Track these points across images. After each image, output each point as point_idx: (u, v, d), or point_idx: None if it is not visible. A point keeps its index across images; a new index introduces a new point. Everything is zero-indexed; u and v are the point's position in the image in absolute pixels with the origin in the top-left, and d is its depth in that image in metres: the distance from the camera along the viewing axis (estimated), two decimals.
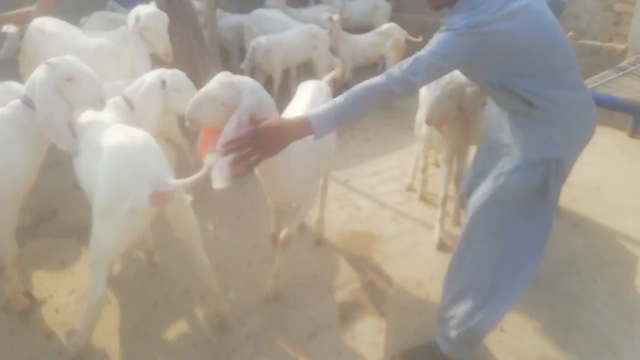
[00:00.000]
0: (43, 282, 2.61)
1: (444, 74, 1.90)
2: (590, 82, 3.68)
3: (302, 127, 1.75)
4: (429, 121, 2.69)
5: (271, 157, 1.82)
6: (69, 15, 3.77)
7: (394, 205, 3.67)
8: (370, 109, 1.81)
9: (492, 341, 2.40)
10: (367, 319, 2.51)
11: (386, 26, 5.71)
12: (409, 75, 1.72)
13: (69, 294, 2.55)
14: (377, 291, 2.72)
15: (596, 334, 2.50)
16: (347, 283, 2.77)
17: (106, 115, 2.25)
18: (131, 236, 2.00)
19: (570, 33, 5.87)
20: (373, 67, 6.28)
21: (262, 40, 4.89)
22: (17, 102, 2.16)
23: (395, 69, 1.75)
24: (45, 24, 3.37)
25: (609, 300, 2.75)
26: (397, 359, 2.25)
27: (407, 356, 2.25)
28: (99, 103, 2.15)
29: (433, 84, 2.62)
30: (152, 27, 3.04)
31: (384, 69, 5.96)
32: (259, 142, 1.75)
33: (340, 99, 1.77)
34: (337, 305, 2.58)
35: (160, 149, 2.06)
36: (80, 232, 3.02)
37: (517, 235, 1.99)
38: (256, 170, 2.22)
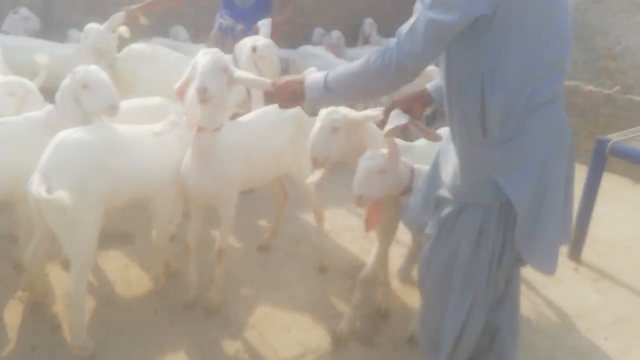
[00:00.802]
0: (58, 278, 2.79)
1: (447, 38, 1.54)
2: (620, 135, 3.63)
3: (298, 86, 1.81)
4: (357, 201, 2.11)
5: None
6: None
7: (409, 241, 3.68)
8: (363, 90, 1.74)
9: None
10: (357, 349, 2.53)
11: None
12: (405, 43, 1.53)
13: None
14: (372, 323, 2.73)
15: None
16: (344, 312, 2.80)
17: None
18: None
19: (617, 88, 5.78)
20: None
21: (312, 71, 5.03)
22: (50, 107, 2.42)
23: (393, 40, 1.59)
24: (145, 49, 3.66)
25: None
26: None
27: None
28: (111, 109, 2.35)
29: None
30: (267, 57, 3.16)
31: None
32: (274, 100, 1.94)
33: (340, 69, 1.75)
34: (330, 332, 2.61)
35: None
36: (103, 237, 3.21)
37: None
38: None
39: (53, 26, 5.15)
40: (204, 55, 2.19)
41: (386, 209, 2.30)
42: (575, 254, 3.67)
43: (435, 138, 1.92)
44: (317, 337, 2.57)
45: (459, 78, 1.62)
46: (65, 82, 2.38)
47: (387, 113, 1.94)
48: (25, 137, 2.32)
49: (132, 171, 2.29)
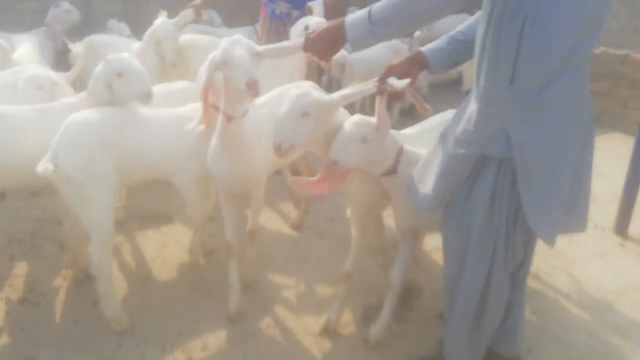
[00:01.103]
0: None
1: None
2: None
3: (338, 27, 1.77)
4: (331, 166, 1.97)
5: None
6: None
7: None
8: (411, 14, 1.67)
9: None
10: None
11: None
12: None
13: (119, 270, 2.84)
14: (404, 299, 2.71)
15: None
16: (375, 285, 2.79)
17: None
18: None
19: None
20: (452, 84, 6.21)
21: (347, 54, 5.02)
22: (84, 93, 2.51)
23: None
24: (198, 40, 3.72)
25: None
26: None
27: None
28: (145, 97, 2.39)
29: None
30: None
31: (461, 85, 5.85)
32: (313, 49, 1.87)
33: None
34: (361, 306, 2.62)
35: None
36: (142, 218, 3.34)
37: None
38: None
39: (92, 18, 5.31)
40: (232, 46, 2.02)
41: (367, 191, 2.20)
42: (621, 229, 3.51)
43: (426, 110, 1.91)
44: (347, 311, 2.58)
45: (501, 16, 1.53)
46: (99, 69, 2.43)
47: (382, 81, 1.90)
48: (60, 122, 2.41)
49: (139, 149, 2.34)
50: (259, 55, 2.02)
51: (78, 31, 4.83)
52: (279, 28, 3.70)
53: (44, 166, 2.04)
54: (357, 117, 2.01)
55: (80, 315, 2.46)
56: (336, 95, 2.02)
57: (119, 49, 3.53)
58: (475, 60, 1.70)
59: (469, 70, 5.55)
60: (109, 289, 2.32)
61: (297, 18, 3.54)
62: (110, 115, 2.31)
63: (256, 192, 2.52)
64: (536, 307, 2.70)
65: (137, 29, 4.85)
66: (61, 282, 2.71)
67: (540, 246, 1.90)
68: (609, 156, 4.50)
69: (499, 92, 1.58)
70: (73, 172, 2.12)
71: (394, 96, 1.97)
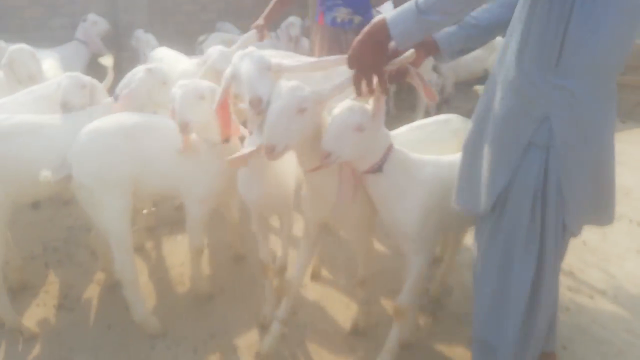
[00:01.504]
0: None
1: None
2: None
3: (379, 27, 1.56)
4: (324, 159, 1.75)
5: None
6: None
7: None
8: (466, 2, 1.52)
9: None
10: (420, 323, 2.51)
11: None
12: None
13: (150, 274, 2.89)
14: (435, 299, 2.69)
15: None
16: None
17: None
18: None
19: None
20: (477, 82, 6.13)
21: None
22: (110, 99, 2.63)
23: None
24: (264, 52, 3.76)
25: None
26: None
27: None
28: None
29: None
30: None
31: None
32: (358, 64, 1.63)
33: None
34: (391, 307, 2.60)
35: None
36: (172, 224, 3.39)
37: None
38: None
39: (118, 29, 5.44)
40: (241, 61, 1.92)
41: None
42: None
43: (432, 97, 1.85)
44: (375, 312, 2.57)
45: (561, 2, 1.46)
46: (141, 76, 2.64)
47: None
48: None
49: (150, 157, 2.32)
50: (273, 70, 1.88)
51: (105, 41, 4.97)
52: (339, 37, 3.42)
53: (43, 174, 2.09)
54: (350, 103, 1.81)
55: (113, 319, 2.51)
56: (329, 86, 1.79)
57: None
58: (514, 44, 1.60)
59: None
60: (135, 294, 2.35)
61: (360, 25, 3.28)
62: (122, 122, 2.33)
63: (286, 217, 2.45)
64: (570, 304, 2.64)
65: (162, 39, 4.96)
66: (94, 288, 2.77)
67: (573, 243, 1.85)
68: None
69: (543, 76, 1.53)
70: (84, 180, 2.18)
71: (396, 78, 1.84)
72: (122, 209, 2.28)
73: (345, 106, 1.79)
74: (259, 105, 1.80)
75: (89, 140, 2.24)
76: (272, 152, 1.68)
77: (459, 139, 2.18)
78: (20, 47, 3.27)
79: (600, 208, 1.71)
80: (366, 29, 1.60)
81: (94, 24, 4.91)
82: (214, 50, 3.01)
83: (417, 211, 1.92)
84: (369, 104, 1.81)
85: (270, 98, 1.77)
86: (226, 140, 2.29)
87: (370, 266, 2.33)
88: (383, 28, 1.56)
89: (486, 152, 1.71)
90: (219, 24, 5.91)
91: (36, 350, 2.35)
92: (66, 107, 2.60)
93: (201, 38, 5.31)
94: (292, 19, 5.45)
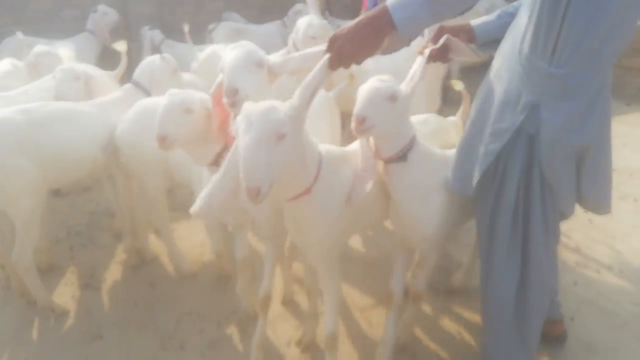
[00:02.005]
0: (152, 245, 3.07)
1: None
2: None
3: (381, 15, 1.42)
4: (358, 124, 1.63)
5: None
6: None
7: None
8: None
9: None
10: (431, 299, 2.60)
11: None
12: None
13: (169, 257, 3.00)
14: (446, 274, 2.78)
15: None
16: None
17: None
18: None
19: None
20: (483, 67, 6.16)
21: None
22: (129, 85, 2.75)
23: None
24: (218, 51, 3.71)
25: None
26: None
27: None
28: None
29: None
30: None
31: None
32: (345, 49, 1.44)
33: None
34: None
35: None
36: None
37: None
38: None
39: (128, 20, 5.52)
40: (230, 52, 1.79)
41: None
42: None
43: (475, 56, 1.82)
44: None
45: None
46: (158, 64, 2.80)
47: (435, 40, 1.86)
48: (116, 115, 2.61)
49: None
50: (263, 66, 1.74)
51: (115, 32, 5.05)
52: None
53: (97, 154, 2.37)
54: (380, 76, 1.72)
55: (139, 297, 2.63)
56: (298, 92, 1.48)
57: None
58: (521, 28, 1.63)
59: None
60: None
61: None
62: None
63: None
64: (578, 278, 2.73)
65: (170, 31, 5.04)
66: (118, 268, 2.88)
67: (579, 221, 1.90)
68: None
69: (539, 63, 1.56)
70: (130, 154, 2.45)
71: (439, 57, 1.85)
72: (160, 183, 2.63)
73: (375, 78, 1.70)
74: (234, 96, 1.64)
75: (136, 118, 2.46)
76: (256, 196, 1.37)
77: (438, 139, 2.23)
78: (47, 51, 3.36)
79: (592, 195, 1.75)
80: (362, 18, 1.45)
81: (104, 14, 4.98)
82: (301, 20, 3.01)
83: (440, 213, 1.87)
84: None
85: (238, 127, 1.44)
86: (215, 163, 1.95)
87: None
88: (385, 14, 1.42)
89: (482, 136, 1.78)
90: (226, 13, 5.97)
91: (67, 326, 2.47)
92: (60, 100, 2.66)
93: (211, 27, 5.39)
94: (300, 6, 5.51)
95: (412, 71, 1.75)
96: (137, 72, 2.83)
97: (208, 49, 3.66)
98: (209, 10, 6.05)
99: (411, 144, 1.77)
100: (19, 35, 3.92)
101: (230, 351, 2.30)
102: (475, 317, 2.43)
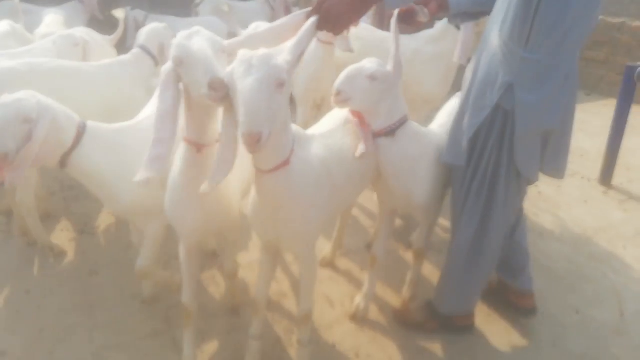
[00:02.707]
0: None
1: None
2: None
3: None
4: (335, 96, 1.90)
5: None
6: None
7: None
8: None
9: None
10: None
11: None
12: None
13: None
14: None
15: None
16: None
17: None
18: None
19: None
20: None
21: None
22: (137, 49, 2.88)
23: None
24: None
25: (637, 265, 2.93)
26: (397, 313, 2.43)
27: (405, 311, 2.42)
28: None
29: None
30: None
31: None
32: (335, 17, 1.54)
33: None
34: None
35: None
36: None
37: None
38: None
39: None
40: (189, 40, 1.55)
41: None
42: (605, 180, 3.88)
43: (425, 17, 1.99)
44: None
45: None
46: (164, 31, 2.96)
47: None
48: (122, 77, 2.82)
49: None
50: (227, 52, 1.58)
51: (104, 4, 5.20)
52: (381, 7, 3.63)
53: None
54: (371, 58, 1.96)
55: (130, 240, 2.86)
56: (289, 48, 1.50)
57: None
58: (499, 17, 1.85)
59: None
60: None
61: None
62: None
63: (233, 238, 2.16)
64: None
65: (160, 4, 5.20)
66: (111, 218, 3.13)
67: (530, 193, 2.16)
68: (603, 119, 4.81)
69: (515, 48, 1.78)
70: None
71: (405, 18, 1.98)
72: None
73: (365, 60, 1.94)
74: (223, 88, 1.45)
75: None
76: (257, 142, 1.34)
77: None
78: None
79: (553, 163, 2.03)
80: None
81: None
82: None
83: (428, 182, 2.10)
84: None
85: (233, 75, 1.42)
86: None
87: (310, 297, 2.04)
88: None
89: (468, 111, 2.01)
90: None
91: (65, 263, 2.73)
92: None
93: (197, 1, 5.57)
94: None
95: (391, 49, 1.93)
96: (143, 38, 2.91)
97: (251, 26, 3.68)
98: None
99: (400, 123, 1.98)
100: (16, 0, 4.07)
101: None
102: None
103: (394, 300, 2.54)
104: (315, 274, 2.02)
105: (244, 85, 1.36)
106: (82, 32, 3.17)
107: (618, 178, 3.92)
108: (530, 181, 2.08)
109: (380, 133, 1.98)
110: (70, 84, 2.61)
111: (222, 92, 1.45)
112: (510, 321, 2.44)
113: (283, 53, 1.48)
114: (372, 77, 1.89)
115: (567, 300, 2.60)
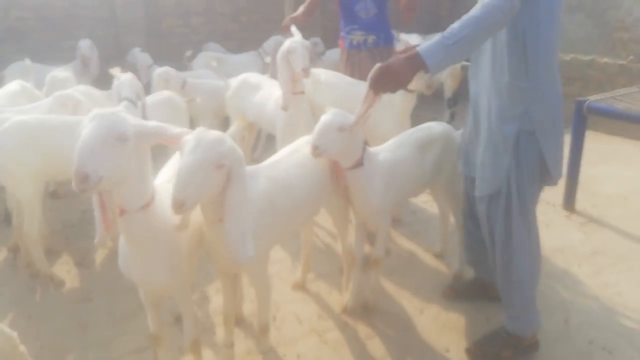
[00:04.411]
0: None
1: None
2: (600, 96, 4.09)
3: (413, 60, 1.91)
4: (313, 151, 2.23)
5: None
6: None
7: None
8: (481, 30, 1.90)
9: None
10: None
11: None
12: None
13: None
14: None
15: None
16: None
17: None
18: None
19: (631, 57, 6.07)
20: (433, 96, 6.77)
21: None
22: (125, 102, 3.26)
23: None
24: (321, 75, 3.82)
25: (588, 282, 3.14)
26: (472, 350, 2.50)
27: (481, 346, 2.50)
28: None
29: None
30: None
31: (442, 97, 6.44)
32: (383, 84, 1.99)
33: (452, 26, 1.90)
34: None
35: None
36: None
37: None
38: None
39: (121, 49, 6.19)
40: (90, 121, 1.68)
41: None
42: (569, 205, 4.12)
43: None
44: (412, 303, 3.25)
45: (509, 30, 2.06)
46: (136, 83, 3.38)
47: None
48: None
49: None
50: (126, 139, 1.65)
51: (108, 61, 5.69)
52: (353, 57, 3.83)
53: None
54: (334, 110, 2.29)
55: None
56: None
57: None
58: (491, 63, 2.19)
59: (449, 79, 6.21)
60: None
61: (375, 44, 3.75)
62: None
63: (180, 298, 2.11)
64: None
65: (157, 58, 5.69)
66: (107, 253, 3.46)
67: None
68: None
69: (519, 83, 2.11)
70: None
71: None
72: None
73: (330, 111, 2.27)
74: (83, 183, 1.53)
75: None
76: (180, 207, 1.63)
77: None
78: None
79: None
80: (401, 57, 1.94)
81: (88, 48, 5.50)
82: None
83: (381, 191, 2.47)
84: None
85: (184, 148, 1.68)
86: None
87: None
88: (418, 58, 1.90)
89: (485, 138, 2.27)
90: (207, 44, 6.65)
91: (63, 292, 3.06)
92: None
93: (188, 53, 5.89)
94: (278, 37, 6.08)
95: (360, 101, 2.18)
96: (126, 91, 3.32)
97: (241, 76, 4.02)
98: (192, 41, 6.74)
99: (364, 152, 2.37)
100: (27, 61, 4.56)
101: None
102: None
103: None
104: (268, 291, 2.30)
105: (185, 162, 1.65)
106: (79, 91, 3.60)
107: (582, 203, 4.15)
108: (554, 181, 2.29)
109: (352, 167, 2.37)
110: (70, 136, 2.94)
111: (82, 185, 1.54)
112: (460, 330, 2.69)
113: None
114: (341, 129, 2.22)
115: None
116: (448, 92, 6.16)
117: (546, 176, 2.26)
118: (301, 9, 3.93)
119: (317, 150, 2.17)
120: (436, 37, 1.91)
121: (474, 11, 1.91)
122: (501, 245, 2.32)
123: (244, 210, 1.80)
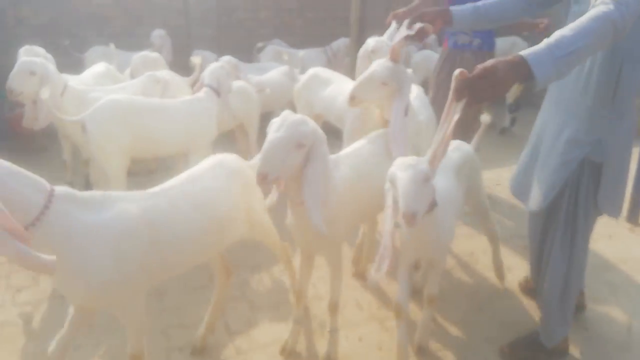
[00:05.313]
0: None
1: None
2: None
3: (518, 67, 1.57)
4: (410, 220, 1.76)
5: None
6: None
7: None
8: (593, 45, 1.65)
9: None
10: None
11: None
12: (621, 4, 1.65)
13: None
14: None
15: None
16: None
17: None
18: None
19: None
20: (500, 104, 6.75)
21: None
22: (206, 88, 3.38)
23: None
24: (320, 73, 3.83)
25: None
26: (505, 350, 2.53)
27: (513, 348, 2.52)
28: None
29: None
30: None
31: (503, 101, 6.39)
32: (481, 91, 1.60)
33: (558, 33, 1.64)
34: None
35: None
36: None
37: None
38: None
39: (192, 40, 6.45)
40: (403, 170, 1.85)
41: None
42: (632, 218, 4.06)
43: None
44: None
45: (606, 57, 1.99)
46: (220, 71, 3.46)
47: (411, 24, 2.25)
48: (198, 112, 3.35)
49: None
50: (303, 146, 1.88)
51: (178, 53, 5.88)
52: (455, 56, 3.83)
53: None
54: (405, 159, 1.91)
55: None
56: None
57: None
58: (574, 82, 2.13)
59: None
60: None
61: (479, 47, 3.77)
62: None
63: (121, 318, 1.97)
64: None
65: (227, 49, 5.87)
66: None
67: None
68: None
69: (602, 111, 2.07)
70: None
71: (417, 38, 2.25)
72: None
73: (402, 164, 1.85)
74: (263, 180, 1.81)
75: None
76: (263, 179, 1.79)
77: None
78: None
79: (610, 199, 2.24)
80: (504, 61, 1.59)
81: (160, 37, 5.73)
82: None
83: (448, 225, 2.23)
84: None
85: (271, 127, 1.90)
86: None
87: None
88: (524, 67, 1.57)
89: (545, 160, 2.27)
90: (274, 40, 6.85)
91: None
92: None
93: (259, 45, 6.18)
94: (345, 40, 6.20)
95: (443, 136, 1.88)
96: (208, 78, 3.38)
97: (311, 70, 3.96)
98: (259, 34, 6.96)
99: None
100: (112, 46, 4.85)
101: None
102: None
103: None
104: (340, 272, 2.37)
105: (269, 138, 1.84)
106: (164, 74, 3.81)
107: None
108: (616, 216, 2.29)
109: (429, 211, 2.08)
110: (158, 116, 3.17)
111: (264, 183, 1.83)
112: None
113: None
114: (426, 180, 1.85)
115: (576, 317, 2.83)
116: (510, 97, 6.11)
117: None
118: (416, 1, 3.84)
119: (414, 218, 1.76)
120: (540, 45, 1.62)
121: (589, 22, 1.63)
122: (544, 258, 2.42)
123: (321, 189, 1.94)
